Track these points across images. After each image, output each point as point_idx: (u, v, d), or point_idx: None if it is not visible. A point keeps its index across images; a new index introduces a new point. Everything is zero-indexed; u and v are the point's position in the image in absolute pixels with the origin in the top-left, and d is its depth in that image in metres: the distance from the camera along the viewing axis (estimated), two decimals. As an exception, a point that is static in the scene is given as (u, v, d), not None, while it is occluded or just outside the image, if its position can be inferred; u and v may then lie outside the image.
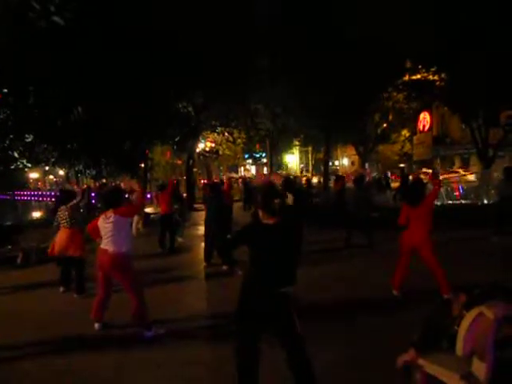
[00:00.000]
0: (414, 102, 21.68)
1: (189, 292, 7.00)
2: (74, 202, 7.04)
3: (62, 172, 36.88)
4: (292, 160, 49.90)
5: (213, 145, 29.64)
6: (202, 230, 12.41)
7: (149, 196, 24.43)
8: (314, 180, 32.71)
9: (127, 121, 15.36)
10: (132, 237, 5.28)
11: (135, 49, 13.79)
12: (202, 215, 12.69)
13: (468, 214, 13.07)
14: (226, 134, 27.06)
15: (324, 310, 5.57)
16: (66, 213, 6.86)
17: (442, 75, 16.97)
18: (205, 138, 28.65)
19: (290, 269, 3.09)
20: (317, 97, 18.30)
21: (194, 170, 29.97)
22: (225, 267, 8.04)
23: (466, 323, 2.70)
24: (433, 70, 17.09)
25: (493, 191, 14.13)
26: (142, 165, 22.74)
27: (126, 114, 15.05)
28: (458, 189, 18.38)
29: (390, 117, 25.15)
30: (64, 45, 12.45)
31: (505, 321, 2.53)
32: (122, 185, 13.10)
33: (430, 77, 17.44)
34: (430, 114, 22.76)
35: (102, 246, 5.02)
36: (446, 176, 24.93)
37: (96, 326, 5.23)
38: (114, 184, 21.67)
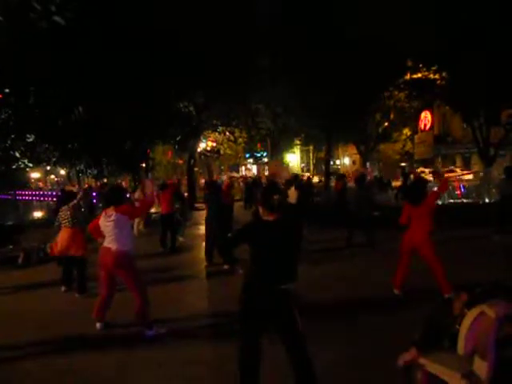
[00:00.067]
0: (415, 101, 21.66)
1: (190, 291, 7.01)
2: (75, 201, 7.05)
3: (63, 172, 36.90)
4: (293, 159, 49.88)
5: (214, 144, 29.66)
6: (203, 229, 12.41)
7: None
8: (315, 179, 32.69)
9: (128, 120, 15.38)
10: (133, 236, 5.29)
11: (136, 49, 13.80)
12: (202, 214, 12.69)
13: (469, 212, 13.07)
14: (227, 133, 27.06)
15: (325, 310, 5.57)
16: (68, 212, 6.87)
17: (443, 74, 16.95)
18: (206, 138, 28.67)
19: (291, 266, 3.09)
20: (318, 96, 18.29)
21: (196, 169, 30.00)
22: (226, 266, 8.04)
23: (467, 322, 2.70)
24: (434, 68, 17.07)
25: (494, 190, 14.12)
26: (144, 164, 22.78)
27: (127, 113, 15.07)
28: (460, 188, 18.37)
29: (392, 116, 25.13)
30: (65, 45, 12.46)
31: (506, 320, 2.52)
32: (147, 186, 13.10)
33: (431, 76, 17.42)
34: (432, 113, 22.72)
35: (105, 244, 5.02)
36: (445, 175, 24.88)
37: (97, 325, 5.24)
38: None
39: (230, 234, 8.96)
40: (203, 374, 4.06)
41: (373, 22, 14.81)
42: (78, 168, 18.91)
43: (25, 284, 7.92)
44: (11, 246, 10.47)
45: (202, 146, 28.78)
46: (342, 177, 15.09)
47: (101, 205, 14.04)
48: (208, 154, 30.16)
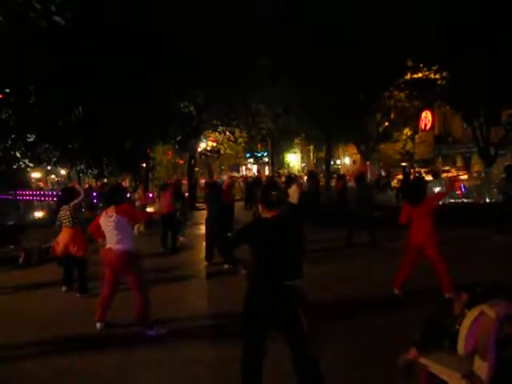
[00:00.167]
0: (416, 101, 21.65)
1: (190, 291, 7.01)
2: (76, 201, 7.04)
3: (63, 172, 36.94)
4: (294, 159, 49.89)
5: (214, 144, 29.67)
6: (203, 229, 12.40)
7: (150, 195, 24.45)
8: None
9: (128, 120, 15.38)
10: (134, 235, 5.30)
11: (136, 48, 13.79)
12: (203, 214, 12.69)
13: (470, 212, 13.05)
14: (228, 133, 27.06)
15: (325, 309, 5.56)
16: (68, 212, 6.87)
17: (444, 74, 16.95)
18: (206, 138, 28.68)
19: (293, 263, 3.08)
20: (318, 96, 18.29)
21: (196, 169, 30.00)
22: (226, 266, 8.05)
23: (467, 322, 2.70)
24: (434, 68, 17.06)
25: (495, 190, 14.11)
26: (144, 164, 22.79)
27: (127, 113, 15.06)
28: (460, 187, 18.35)
29: (392, 115, 25.12)
30: (65, 44, 12.46)
31: (506, 320, 2.52)
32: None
33: (432, 75, 17.42)
34: (432, 113, 22.69)
35: (108, 245, 5.03)
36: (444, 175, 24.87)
37: (98, 325, 5.24)
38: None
39: (229, 234, 9.00)
40: (203, 374, 4.06)
41: (373, 21, 14.81)
42: (78, 168, 18.90)
43: (25, 284, 7.92)
44: (12, 246, 10.48)
45: (202, 145, 28.78)
46: (342, 177, 15.11)
47: (101, 205, 14.04)
48: (208, 153, 30.16)
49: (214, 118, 23.94)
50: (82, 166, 18.28)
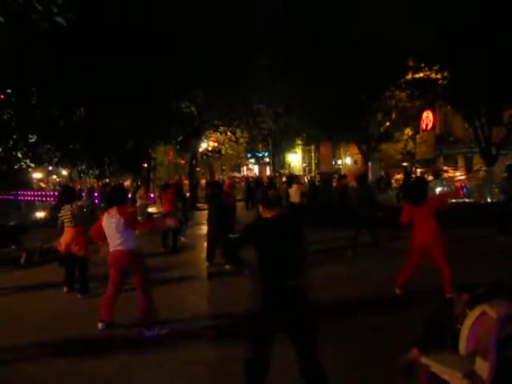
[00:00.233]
0: (417, 101, 21.61)
1: (191, 291, 7.01)
2: (81, 203, 7.05)
3: (65, 172, 36.99)
4: (295, 159, 49.84)
5: (215, 144, 29.69)
6: (204, 229, 12.40)
7: (152, 196, 24.49)
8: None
9: (129, 120, 15.40)
10: (136, 235, 5.30)
11: (136, 48, 13.81)
12: (204, 214, 12.70)
13: (471, 212, 13.02)
14: (229, 133, 27.08)
15: (326, 309, 5.55)
16: (69, 212, 6.88)
17: (445, 74, 16.93)
18: (207, 138, 28.69)
19: (294, 262, 3.07)
20: (318, 96, 18.27)
21: (197, 169, 30.02)
22: (227, 267, 8.05)
23: (468, 322, 2.70)
24: (435, 68, 17.03)
25: (496, 189, 14.08)
26: (145, 164, 22.82)
27: (128, 113, 15.09)
28: (462, 187, 18.32)
29: (393, 115, 25.09)
30: (66, 45, 12.48)
31: (508, 320, 2.52)
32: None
33: (433, 75, 17.39)
34: (433, 113, 22.64)
35: (112, 247, 5.04)
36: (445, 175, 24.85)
37: (99, 325, 5.24)
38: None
39: (231, 235, 9.00)
40: (204, 374, 4.06)
41: (373, 21, 14.79)
42: (79, 168, 18.92)
43: (27, 284, 7.94)
44: (13, 246, 10.48)
45: (203, 146, 28.80)
46: (342, 177, 15.10)
47: (103, 205, 14.06)
48: (210, 154, 30.17)
49: (215, 119, 23.94)
50: (84, 167, 18.31)
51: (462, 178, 21.48)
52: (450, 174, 24.34)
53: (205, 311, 5.92)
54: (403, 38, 14.79)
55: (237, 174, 48.52)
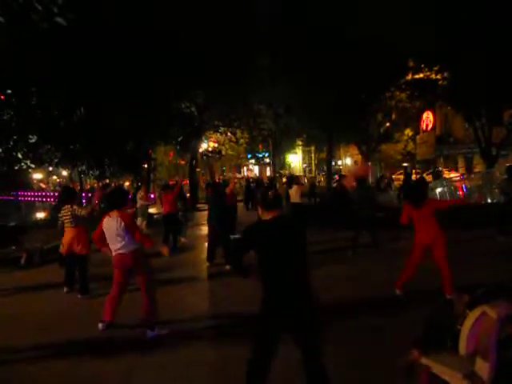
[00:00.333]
0: (417, 102, 21.61)
1: (192, 292, 7.01)
2: (87, 211, 7.05)
3: (65, 173, 37.01)
4: (295, 160, 49.87)
5: (216, 145, 29.69)
6: (204, 229, 12.42)
7: (152, 196, 24.49)
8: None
9: (129, 121, 15.41)
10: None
11: (136, 49, 13.83)
12: (204, 215, 12.70)
13: (471, 213, 13.00)
14: (229, 134, 27.09)
15: (326, 310, 5.54)
16: (69, 212, 6.88)
17: (445, 74, 16.92)
18: (208, 138, 28.71)
19: (295, 262, 3.05)
20: (318, 96, 18.29)
21: (197, 170, 30.02)
22: (228, 267, 8.04)
23: (469, 323, 2.70)
24: (436, 69, 17.03)
25: (496, 190, 14.07)
26: (146, 165, 22.82)
27: (128, 113, 15.10)
28: (462, 188, 18.31)
29: (393, 116, 25.10)
30: (66, 45, 12.50)
31: (508, 320, 2.52)
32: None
33: (433, 76, 17.39)
34: (433, 114, 22.64)
35: (114, 251, 5.04)
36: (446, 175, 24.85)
37: (100, 325, 5.23)
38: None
39: (232, 236, 9.01)
40: (205, 375, 4.06)
41: (373, 21, 14.79)
42: (80, 169, 18.94)
43: (27, 285, 7.93)
44: (14, 247, 10.49)
45: (203, 146, 28.81)
46: (343, 177, 15.10)
47: (103, 205, 14.05)
48: (210, 154, 30.18)
49: (215, 119, 23.96)
50: (84, 167, 18.33)
51: (457, 179, 21.43)
52: (445, 175, 24.32)
53: (205, 312, 5.91)
54: (403, 38, 14.79)
55: (237, 175, 48.51)
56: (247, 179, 29.75)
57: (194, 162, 25.54)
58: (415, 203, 5.68)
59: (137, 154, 18.62)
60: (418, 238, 5.72)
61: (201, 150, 28.13)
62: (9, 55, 12.09)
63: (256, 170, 52.99)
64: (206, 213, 10.67)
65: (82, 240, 6.85)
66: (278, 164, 40.88)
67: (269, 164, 42.00)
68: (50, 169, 37.05)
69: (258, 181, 21.01)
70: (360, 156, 28.78)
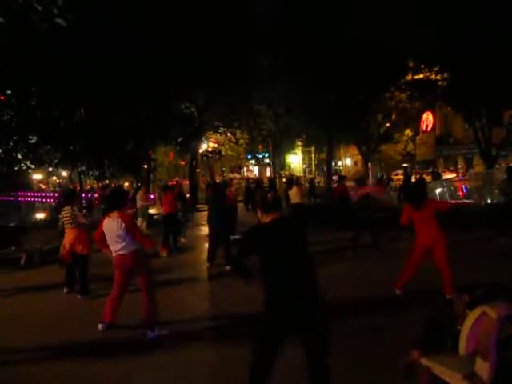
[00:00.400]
0: (417, 102, 21.60)
1: (192, 292, 7.00)
2: (88, 220, 7.05)
3: (65, 173, 37.01)
4: (295, 160, 49.86)
5: (216, 145, 29.68)
6: (204, 230, 12.42)
7: (152, 197, 24.48)
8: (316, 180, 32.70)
9: (129, 121, 15.42)
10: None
11: (137, 49, 13.83)
12: (204, 215, 12.71)
13: (471, 213, 13.01)
14: (229, 134, 27.09)
15: (326, 310, 5.55)
16: (70, 213, 6.88)
17: (445, 75, 16.92)
18: (207, 139, 28.70)
19: (299, 263, 3.05)
20: (318, 96, 18.27)
21: (197, 170, 30.01)
22: (228, 267, 8.04)
23: (468, 323, 2.70)
24: (435, 69, 17.03)
25: (496, 191, 14.07)
26: (146, 166, 22.81)
27: (128, 114, 15.11)
28: (462, 188, 18.31)
29: (393, 116, 25.09)
30: (66, 45, 12.50)
31: (508, 320, 2.52)
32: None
33: (433, 76, 17.39)
34: (433, 114, 22.67)
35: (114, 251, 5.04)
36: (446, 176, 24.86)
37: (99, 326, 5.23)
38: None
39: (232, 237, 9.01)
40: (205, 375, 4.06)
41: (373, 21, 14.78)
42: (79, 169, 18.93)
43: (27, 285, 7.94)
44: (13, 248, 10.49)
45: (203, 147, 28.80)
46: (343, 178, 15.12)
47: (103, 206, 14.05)
48: (210, 155, 30.17)
49: (215, 119, 23.95)
50: (84, 168, 18.32)
51: (455, 179, 21.45)
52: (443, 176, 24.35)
53: (205, 312, 5.91)
54: (403, 39, 14.78)
55: (237, 176, 48.51)
56: (247, 180, 29.77)
57: (194, 162, 25.54)
58: (415, 204, 5.67)
59: (137, 154, 18.61)
60: (418, 240, 5.72)
61: (201, 151, 28.13)
62: (9, 55, 12.09)
63: (256, 170, 52.97)
64: (205, 213, 10.68)
65: (82, 240, 6.86)
66: (278, 164, 40.81)
67: (269, 164, 41.97)
68: (50, 169, 37.05)
69: (258, 182, 20.99)
70: (360, 156, 28.79)
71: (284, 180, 26.31)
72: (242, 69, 18.16)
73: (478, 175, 19.21)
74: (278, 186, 25.00)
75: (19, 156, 15.63)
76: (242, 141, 28.45)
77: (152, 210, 19.08)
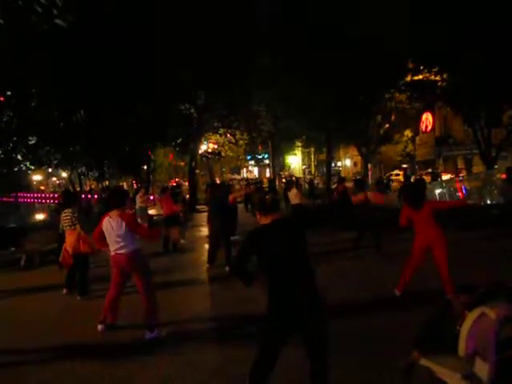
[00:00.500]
0: (417, 103, 21.59)
1: (192, 293, 7.00)
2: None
3: (64, 174, 37.02)
4: (294, 161, 49.91)
5: (215, 146, 29.69)
6: (204, 231, 12.41)
7: (151, 198, 24.50)
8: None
9: (128, 122, 15.43)
10: (137, 237, 5.29)
11: (136, 49, 13.85)
12: (204, 216, 12.70)
13: (471, 214, 13.00)
14: (229, 135, 27.09)
15: (326, 310, 5.55)
16: (69, 216, 6.88)
17: (444, 75, 16.93)
18: (207, 140, 28.71)
19: (300, 263, 3.05)
20: (318, 96, 18.28)
21: (197, 171, 30.00)
22: (227, 268, 8.03)
23: (468, 323, 2.69)
24: (435, 70, 17.04)
25: (496, 191, 14.07)
26: (145, 166, 22.83)
27: (127, 115, 15.12)
28: (461, 189, 18.31)
29: (393, 117, 25.11)
30: (66, 46, 12.51)
31: (507, 321, 2.52)
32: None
33: (432, 77, 17.39)
34: (433, 115, 22.69)
35: (113, 251, 5.03)
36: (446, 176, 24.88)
37: (99, 327, 5.23)
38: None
39: (232, 238, 8.99)
40: (206, 376, 4.05)
41: (373, 22, 14.80)
42: (79, 170, 18.95)
43: (26, 286, 7.94)
44: (13, 249, 10.50)
45: (203, 148, 28.80)
46: (342, 179, 15.12)
47: (100, 206, 14.07)
48: (209, 156, 30.17)
49: (214, 120, 23.96)
50: (83, 169, 18.33)
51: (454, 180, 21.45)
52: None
53: (206, 313, 5.90)
54: (403, 39, 14.79)
55: (237, 176, 48.53)
56: (247, 180, 29.77)
57: (194, 163, 25.54)
58: (414, 205, 5.67)
59: (136, 155, 18.63)
60: (418, 241, 5.72)
61: (200, 152, 28.13)
62: (8, 57, 12.09)
63: (256, 171, 52.99)
64: (205, 214, 10.68)
65: (84, 239, 6.86)
66: (278, 165, 40.87)
67: (268, 165, 41.99)
68: (50, 170, 37.06)
69: (258, 187, 20.88)
70: (360, 157, 28.82)
71: (283, 181, 26.31)
72: (243, 68, 18.17)
73: (478, 175, 19.21)
74: (278, 186, 25.00)
75: (19, 157, 15.65)
76: (241, 142, 28.47)
77: (152, 211, 19.09)
